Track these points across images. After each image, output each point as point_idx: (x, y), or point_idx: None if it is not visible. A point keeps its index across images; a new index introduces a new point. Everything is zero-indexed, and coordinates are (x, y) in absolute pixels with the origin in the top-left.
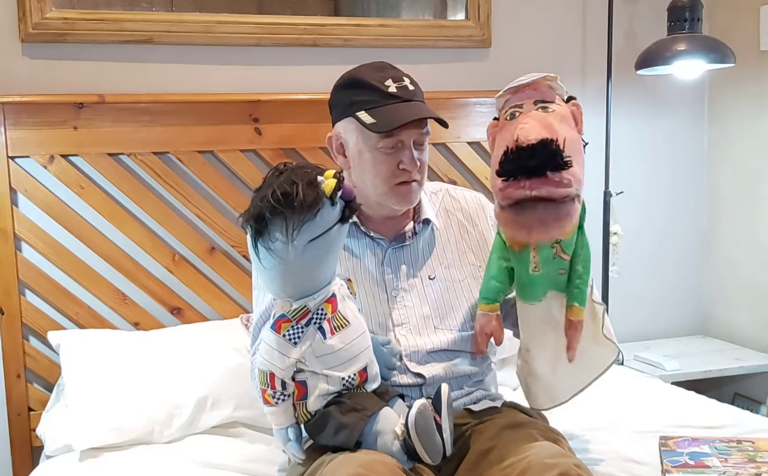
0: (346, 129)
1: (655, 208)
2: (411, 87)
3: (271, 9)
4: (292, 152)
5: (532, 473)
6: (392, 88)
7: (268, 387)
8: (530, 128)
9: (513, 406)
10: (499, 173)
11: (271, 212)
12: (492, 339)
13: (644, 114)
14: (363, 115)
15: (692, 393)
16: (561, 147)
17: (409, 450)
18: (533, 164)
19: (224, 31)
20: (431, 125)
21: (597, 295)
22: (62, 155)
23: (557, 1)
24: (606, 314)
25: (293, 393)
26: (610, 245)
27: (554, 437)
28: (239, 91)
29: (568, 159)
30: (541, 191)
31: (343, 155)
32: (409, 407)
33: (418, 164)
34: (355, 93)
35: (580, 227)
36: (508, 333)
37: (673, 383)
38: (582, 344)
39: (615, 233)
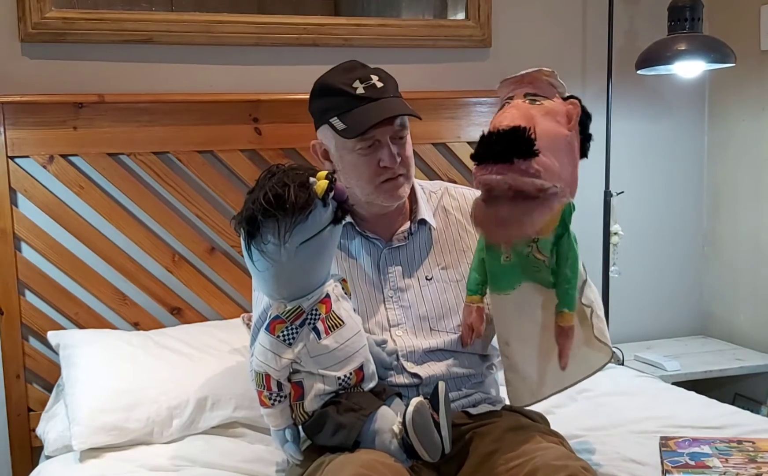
0: (325, 136)
1: (655, 208)
2: (379, 84)
3: (271, 9)
4: (292, 152)
5: (540, 475)
6: (360, 89)
7: (264, 388)
8: (506, 116)
9: (513, 409)
10: (471, 157)
11: (263, 215)
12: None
13: (644, 114)
14: (335, 121)
15: (693, 393)
16: (532, 135)
17: (407, 448)
18: (500, 149)
19: (224, 30)
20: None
21: (593, 295)
22: (62, 155)
23: (557, 1)
24: (595, 315)
25: (290, 394)
26: (611, 245)
27: (556, 439)
28: (239, 91)
29: (536, 149)
30: (507, 178)
31: (329, 160)
32: (407, 405)
33: (399, 158)
34: (327, 100)
35: (567, 229)
36: None
37: (673, 383)
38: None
39: (615, 233)
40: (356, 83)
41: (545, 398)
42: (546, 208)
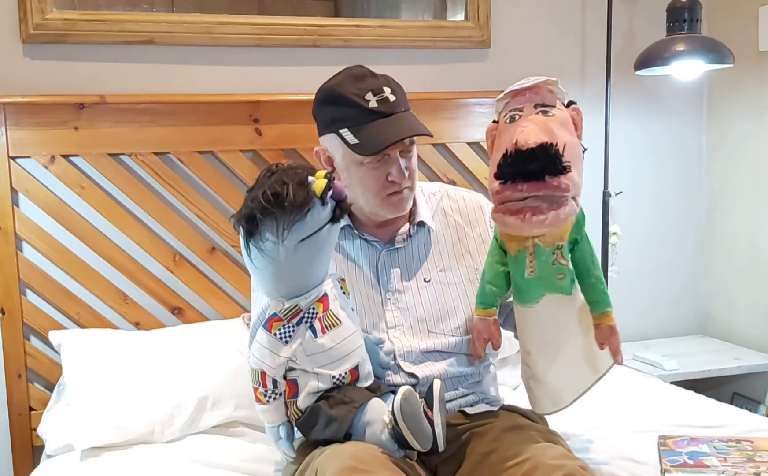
0: (331, 144)
1: (654, 208)
2: (392, 98)
3: (272, 10)
4: (292, 153)
5: (537, 474)
6: (372, 102)
7: (259, 385)
8: (530, 132)
9: (511, 409)
10: (497, 176)
11: (262, 213)
12: (491, 344)
13: (643, 115)
14: (346, 134)
15: (691, 392)
16: (561, 152)
17: (398, 438)
18: (532, 168)
19: (225, 31)
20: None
21: None
22: (63, 156)
23: (557, 2)
24: None
25: (284, 391)
26: (609, 245)
27: (554, 439)
28: (239, 91)
29: (567, 164)
30: (538, 195)
31: (332, 166)
32: (395, 394)
33: (407, 172)
34: (336, 109)
35: (583, 233)
36: (507, 334)
37: (672, 382)
38: (583, 347)
39: (614, 233)
40: (369, 95)
41: (567, 406)
42: (570, 208)
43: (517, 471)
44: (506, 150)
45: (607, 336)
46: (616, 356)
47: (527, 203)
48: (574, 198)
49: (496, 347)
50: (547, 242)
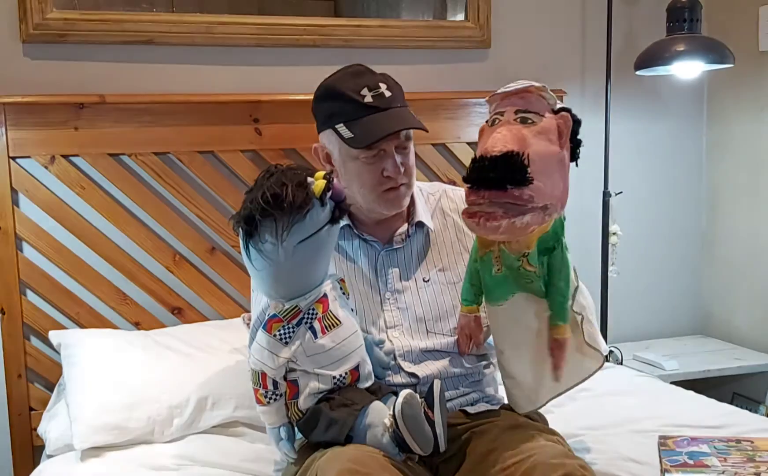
0: (329, 140)
1: (654, 208)
2: (387, 93)
3: (272, 10)
4: (292, 152)
5: (537, 474)
6: (368, 98)
7: (260, 386)
8: (499, 139)
9: (511, 408)
10: (464, 180)
11: (261, 214)
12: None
13: (643, 115)
14: (342, 128)
15: (691, 392)
16: (525, 162)
17: (399, 442)
18: (494, 177)
19: (225, 31)
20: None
21: (585, 301)
22: (63, 156)
23: (557, 2)
24: (587, 321)
25: (285, 392)
26: (610, 245)
27: (555, 438)
28: (239, 91)
29: (530, 175)
30: (500, 202)
31: (330, 163)
32: (397, 397)
33: (402, 168)
34: (333, 105)
35: (560, 242)
36: None
37: (672, 382)
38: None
39: (614, 233)
40: (364, 91)
41: (543, 405)
42: (535, 218)
43: (518, 470)
44: (476, 155)
45: (551, 347)
46: (555, 370)
47: (482, 207)
48: (545, 208)
49: (477, 344)
50: (512, 249)
